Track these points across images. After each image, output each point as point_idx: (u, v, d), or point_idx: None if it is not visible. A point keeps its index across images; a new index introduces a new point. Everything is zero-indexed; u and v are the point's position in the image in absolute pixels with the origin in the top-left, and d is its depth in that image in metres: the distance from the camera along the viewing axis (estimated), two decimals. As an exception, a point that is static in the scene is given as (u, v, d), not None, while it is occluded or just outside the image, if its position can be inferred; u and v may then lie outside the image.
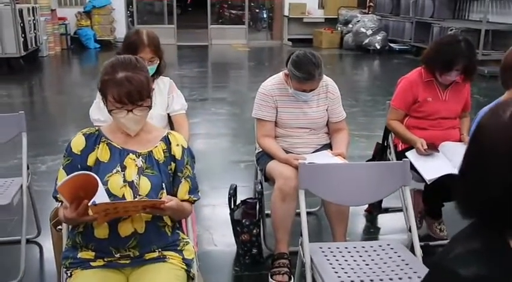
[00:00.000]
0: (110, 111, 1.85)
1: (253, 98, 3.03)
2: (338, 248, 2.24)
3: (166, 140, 1.96)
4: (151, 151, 1.92)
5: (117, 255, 1.82)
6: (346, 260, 2.13)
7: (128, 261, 1.83)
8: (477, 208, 1.07)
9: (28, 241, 3.10)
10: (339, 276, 2.00)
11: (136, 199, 1.80)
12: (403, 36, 11.62)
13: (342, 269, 2.07)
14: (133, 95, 1.79)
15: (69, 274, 1.83)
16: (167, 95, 2.86)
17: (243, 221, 2.88)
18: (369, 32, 11.89)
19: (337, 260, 2.13)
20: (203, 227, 3.35)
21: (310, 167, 2.19)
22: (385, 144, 3.34)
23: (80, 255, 1.84)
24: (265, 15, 17.13)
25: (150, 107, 1.88)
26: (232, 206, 2.97)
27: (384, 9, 13.10)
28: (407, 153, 3.07)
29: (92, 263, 1.82)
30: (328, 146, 2.96)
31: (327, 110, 2.94)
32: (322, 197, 2.20)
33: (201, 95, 7.65)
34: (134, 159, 1.88)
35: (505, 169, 1.00)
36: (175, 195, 1.93)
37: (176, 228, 2.00)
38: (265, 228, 3.01)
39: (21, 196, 2.78)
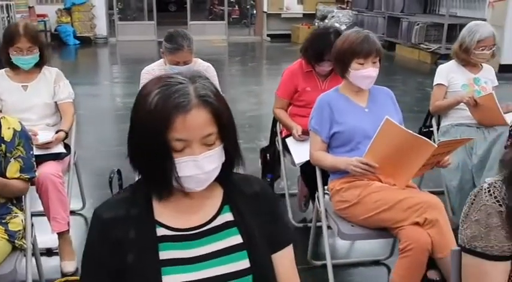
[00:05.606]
0: None
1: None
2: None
3: None
4: None
5: None
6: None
7: None
8: (133, 165, 1.26)
9: None
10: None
11: None
12: (376, 31, 11.67)
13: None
14: None
15: None
16: (53, 84, 3.08)
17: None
18: (343, 27, 11.98)
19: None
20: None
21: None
22: (274, 130, 3.52)
23: None
24: (255, 11, 17.30)
25: None
26: (119, 190, 3.19)
27: (361, 4, 13.20)
28: (287, 139, 3.26)
29: None
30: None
31: None
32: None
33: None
34: None
35: (133, 136, 1.21)
36: (5, 174, 2.13)
37: (11, 204, 2.20)
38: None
39: None
